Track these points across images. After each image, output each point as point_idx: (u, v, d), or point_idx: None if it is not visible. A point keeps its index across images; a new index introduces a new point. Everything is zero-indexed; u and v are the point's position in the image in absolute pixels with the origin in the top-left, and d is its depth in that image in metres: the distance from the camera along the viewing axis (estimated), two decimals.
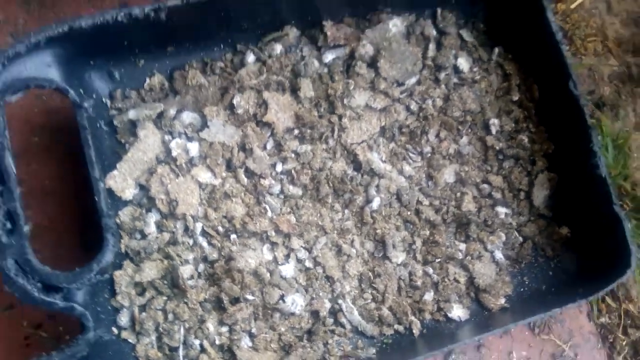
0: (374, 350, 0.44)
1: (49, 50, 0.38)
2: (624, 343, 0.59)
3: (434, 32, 0.54)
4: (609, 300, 0.59)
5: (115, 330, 0.39)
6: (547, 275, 0.51)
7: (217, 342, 0.41)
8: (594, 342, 0.56)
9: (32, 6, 0.46)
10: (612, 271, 0.47)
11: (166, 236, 0.43)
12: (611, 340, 0.58)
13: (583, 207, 0.51)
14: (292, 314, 0.44)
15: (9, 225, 0.33)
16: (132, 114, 0.44)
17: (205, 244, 0.43)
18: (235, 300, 0.42)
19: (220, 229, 0.44)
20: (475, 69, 0.54)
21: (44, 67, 0.39)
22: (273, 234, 0.46)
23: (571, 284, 0.50)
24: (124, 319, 0.40)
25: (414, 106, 0.52)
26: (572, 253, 0.52)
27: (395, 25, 0.52)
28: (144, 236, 0.42)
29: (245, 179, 0.46)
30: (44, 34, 0.37)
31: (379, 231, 0.48)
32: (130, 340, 0.40)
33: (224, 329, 0.42)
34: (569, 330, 0.55)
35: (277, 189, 0.47)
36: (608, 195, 0.47)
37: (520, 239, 0.51)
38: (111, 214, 0.39)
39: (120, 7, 0.46)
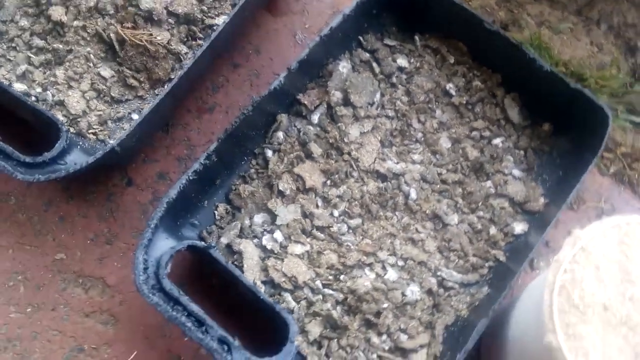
0: (486, 288, 0.63)
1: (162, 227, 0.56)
2: (636, 175, 0.80)
3: (368, 55, 0.76)
4: (606, 154, 0.81)
5: None
6: (555, 164, 0.71)
7: (386, 348, 0.58)
8: (617, 189, 0.77)
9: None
10: (598, 128, 0.65)
11: (303, 303, 0.59)
12: (626, 180, 0.80)
13: (548, 101, 0.70)
14: (416, 300, 0.61)
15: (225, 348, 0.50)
16: (224, 240, 0.61)
17: (329, 291, 0.60)
18: (377, 314, 0.59)
19: (330, 277, 0.61)
20: (412, 60, 0.75)
21: (164, 240, 0.57)
22: (365, 258, 0.63)
23: (576, 158, 0.70)
24: None
25: (390, 113, 0.72)
26: (562, 137, 0.71)
27: (344, 66, 0.72)
28: (292, 312, 0.59)
29: (321, 234, 0.64)
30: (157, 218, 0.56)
31: (428, 211, 0.67)
32: None
33: (384, 337, 0.58)
34: (595, 193, 0.76)
35: (344, 228, 0.65)
36: (561, 80, 0.66)
37: (522, 152, 0.71)
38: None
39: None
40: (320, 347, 0.58)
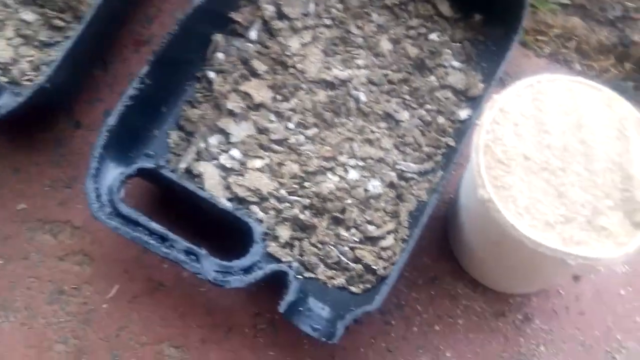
0: (441, 172, 0.70)
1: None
2: (571, 53, 0.91)
3: None
4: (540, 37, 0.91)
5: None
6: (491, 51, 0.79)
7: (356, 239, 0.65)
8: (554, 68, 0.88)
9: None
10: (517, 11, 0.72)
11: (272, 212, 0.65)
12: (562, 59, 0.90)
13: None
14: (379, 194, 0.68)
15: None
16: (182, 165, 0.66)
17: (295, 197, 0.66)
18: (343, 211, 0.65)
19: (295, 186, 0.67)
20: None
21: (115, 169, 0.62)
22: (325, 164, 0.69)
23: (506, 42, 0.79)
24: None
25: (327, 21, 0.76)
26: (494, 26, 0.78)
27: None
28: (261, 222, 0.64)
29: (280, 147, 0.70)
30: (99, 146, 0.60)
31: (380, 112, 0.75)
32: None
33: (353, 230, 0.65)
34: (533, 73, 0.85)
35: (302, 138, 0.71)
36: None
37: (459, 44, 0.80)
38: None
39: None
40: (292, 247, 0.64)
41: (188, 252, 0.57)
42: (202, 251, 0.57)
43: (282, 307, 0.54)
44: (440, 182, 0.67)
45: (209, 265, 0.55)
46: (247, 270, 0.56)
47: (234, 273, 0.56)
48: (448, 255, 0.70)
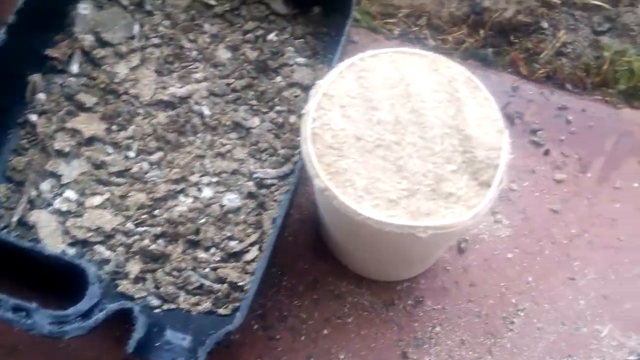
0: (298, 172, 0.71)
1: None
2: (422, 30, 0.94)
3: None
4: (388, 20, 0.94)
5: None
6: (335, 42, 0.78)
7: (217, 259, 0.62)
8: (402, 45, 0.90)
9: None
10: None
11: (121, 249, 0.61)
12: (413, 37, 0.93)
13: None
14: (238, 207, 0.66)
15: None
16: (14, 217, 0.62)
17: (144, 228, 0.63)
18: (197, 232, 0.63)
19: (143, 216, 0.64)
20: None
21: None
22: (175, 186, 0.67)
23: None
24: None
25: (156, 40, 0.74)
26: (334, 16, 0.78)
27: (84, 7, 0.73)
28: (108, 261, 0.61)
29: (122, 179, 0.66)
30: None
31: (228, 123, 0.73)
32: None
33: (212, 250, 0.63)
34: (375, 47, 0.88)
35: (145, 165, 0.68)
36: None
37: (302, 40, 0.80)
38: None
39: None
40: (144, 281, 0.61)
41: (17, 309, 0.53)
42: (32, 305, 0.53)
43: (130, 346, 0.51)
44: (293, 182, 0.66)
45: (42, 319, 0.51)
46: (86, 315, 0.53)
47: (72, 321, 0.52)
48: (327, 255, 0.69)
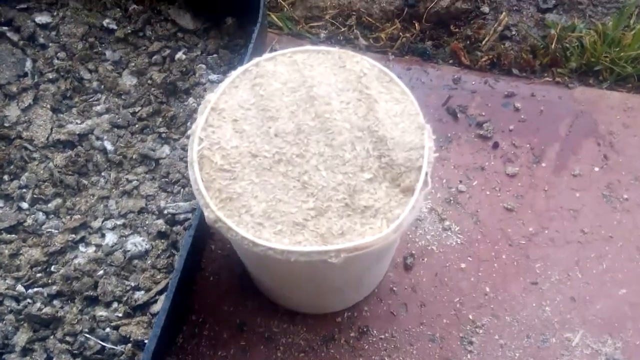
0: None
1: None
2: (351, 28, 0.85)
3: (3, 27, 0.69)
4: (313, 23, 0.85)
5: None
6: (253, 52, 0.73)
7: (120, 315, 0.53)
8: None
9: None
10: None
11: (10, 317, 0.53)
12: (340, 38, 0.84)
13: None
14: (146, 250, 0.56)
15: None
16: None
17: (37, 289, 0.54)
18: (95, 285, 0.55)
19: (38, 275, 0.55)
20: (54, 12, 0.69)
21: None
22: (73, 236, 0.57)
23: (262, 38, 0.72)
24: None
25: (51, 75, 0.66)
26: (249, 25, 0.69)
27: None
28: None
29: (13, 235, 0.57)
30: None
31: (134, 155, 0.61)
32: None
33: (115, 305, 0.54)
34: None
35: (41, 216, 0.58)
36: None
37: (215, 55, 0.69)
38: None
39: None
40: (33, 352, 0.52)
41: None
42: None
43: None
44: (198, 209, 0.56)
45: None
46: None
47: None
48: (254, 292, 0.60)
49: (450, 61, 0.80)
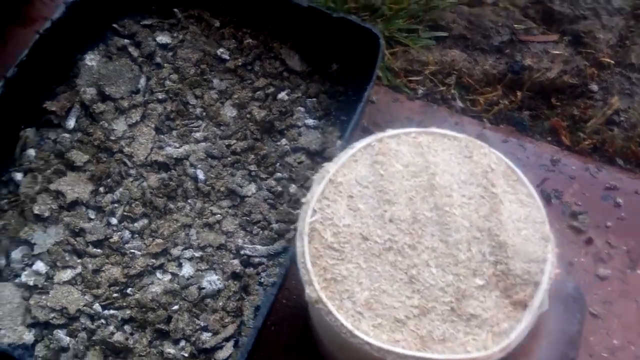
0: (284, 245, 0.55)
1: None
2: (451, 89, 0.77)
3: (126, 40, 0.67)
4: (413, 78, 0.77)
5: None
6: (351, 101, 0.65)
7: (186, 355, 0.49)
8: (431, 109, 0.72)
9: None
10: (373, 52, 0.60)
11: (83, 335, 0.50)
12: (439, 97, 0.76)
13: (324, 39, 0.64)
14: (218, 289, 0.53)
15: None
16: None
17: (113, 311, 0.51)
18: (168, 319, 0.51)
19: (114, 295, 0.52)
20: (175, 34, 0.67)
21: None
22: (154, 261, 0.54)
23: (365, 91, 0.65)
24: None
25: (160, 95, 0.63)
26: (354, 73, 0.64)
27: (91, 58, 0.63)
28: (67, 349, 0.49)
29: (99, 250, 0.55)
30: None
31: (222, 188, 0.60)
32: None
33: (182, 343, 0.50)
34: (406, 120, 0.70)
35: (127, 234, 0.56)
36: (321, 13, 0.61)
37: (314, 99, 0.65)
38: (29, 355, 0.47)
39: None
40: None
41: None
42: None
43: None
44: (286, 263, 0.51)
45: None
46: None
47: None
48: (312, 353, 0.53)
49: (549, 138, 0.70)
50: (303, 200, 0.42)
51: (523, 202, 0.41)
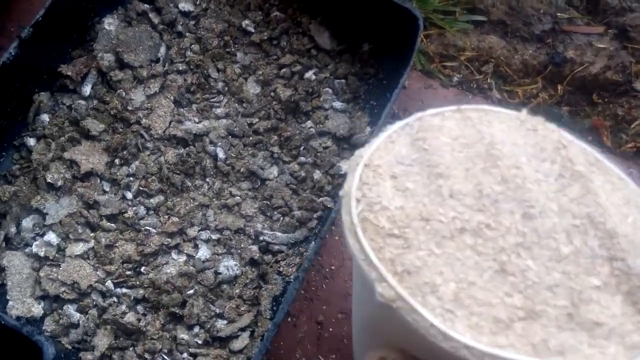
0: (314, 244, 0.55)
1: None
2: (487, 79, 0.77)
3: (147, 5, 0.66)
4: (448, 64, 0.76)
5: None
6: (382, 85, 0.63)
7: (200, 342, 0.50)
8: (466, 98, 0.73)
9: None
10: (410, 34, 0.59)
11: (93, 312, 0.51)
12: (474, 86, 0.76)
13: (359, 18, 0.63)
14: (235, 276, 0.54)
15: None
16: None
17: (124, 290, 0.52)
18: (183, 304, 0.52)
19: (127, 272, 0.53)
20: (198, 2, 0.66)
21: None
22: (169, 240, 0.55)
23: (399, 74, 0.65)
24: None
25: (181, 66, 0.63)
26: (386, 55, 0.64)
27: (110, 23, 0.63)
28: (76, 325, 0.51)
29: (112, 224, 0.56)
30: None
31: (242, 169, 0.60)
32: None
33: (196, 329, 0.51)
34: (435, 104, 0.70)
35: (142, 210, 0.57)
36: None
37: (343, 80, 0.65)
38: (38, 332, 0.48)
39: None
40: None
41: None
42: None
43: None
44: (310, 256, 0.51)
45: None
46: None
47: None
48: (329, 348, 0.54)
49: (589, 137, 0.70)
50: (340, 193, 0.39)
51: (614, 183, 0.35)
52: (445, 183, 0.36)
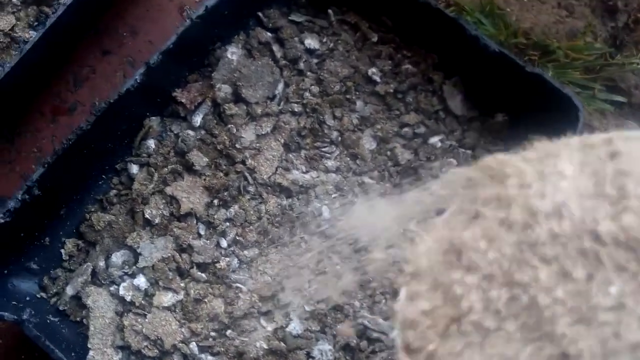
0: None
1: None
2: None
3: (269, 34, 0.66)
4: None
5: None
6: None
7: None
8: None
9: None
10: (566, 124, 0.55)
11: None
12: None
13: (500, 87, 0.60)
14: None
15: None
16: (70, 290, 0.53)
17: (210, 357, 0.51)
18: None
19: (212, 334, 0.52)
20: (324, 40, 0.65)
21: None
22: (260, 304, 0.54)
23: None
24: None
25: (296, 108, 0.62)
26: (521, 129, 0.60)
27: (233, 52, 0.62)
28: None
29: (203, 274, 0.55)
30: None
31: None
32: None
33: None
34: None
35: (235, 262, 0.56)
36: (513, 63, 0.57)
37: (469, 151, 0.62)
38: None
39: None
40: None
41: None
42: None
43: None
44: None
45: None
46: None
47: None
48: None
49: None
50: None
51: None
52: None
